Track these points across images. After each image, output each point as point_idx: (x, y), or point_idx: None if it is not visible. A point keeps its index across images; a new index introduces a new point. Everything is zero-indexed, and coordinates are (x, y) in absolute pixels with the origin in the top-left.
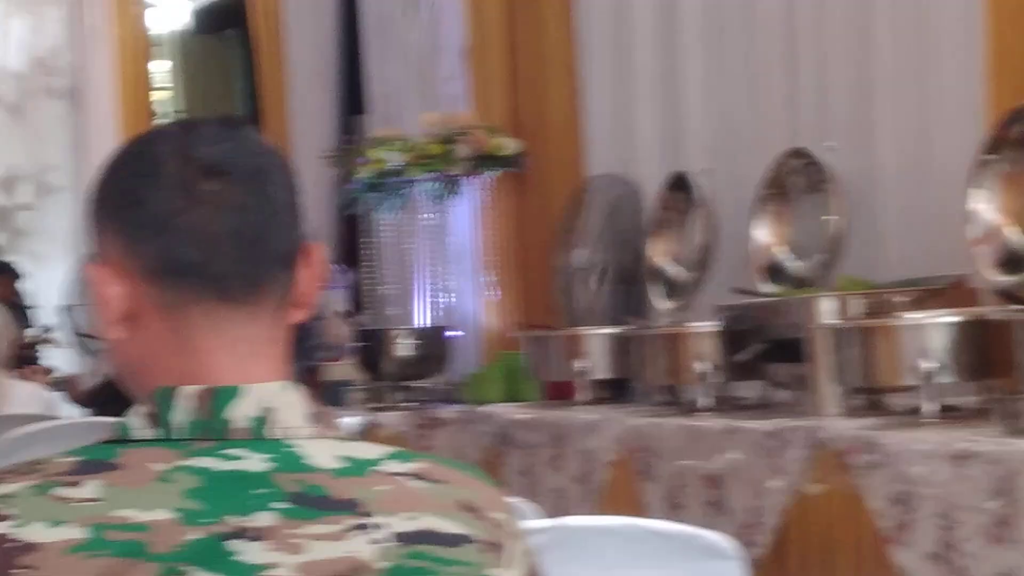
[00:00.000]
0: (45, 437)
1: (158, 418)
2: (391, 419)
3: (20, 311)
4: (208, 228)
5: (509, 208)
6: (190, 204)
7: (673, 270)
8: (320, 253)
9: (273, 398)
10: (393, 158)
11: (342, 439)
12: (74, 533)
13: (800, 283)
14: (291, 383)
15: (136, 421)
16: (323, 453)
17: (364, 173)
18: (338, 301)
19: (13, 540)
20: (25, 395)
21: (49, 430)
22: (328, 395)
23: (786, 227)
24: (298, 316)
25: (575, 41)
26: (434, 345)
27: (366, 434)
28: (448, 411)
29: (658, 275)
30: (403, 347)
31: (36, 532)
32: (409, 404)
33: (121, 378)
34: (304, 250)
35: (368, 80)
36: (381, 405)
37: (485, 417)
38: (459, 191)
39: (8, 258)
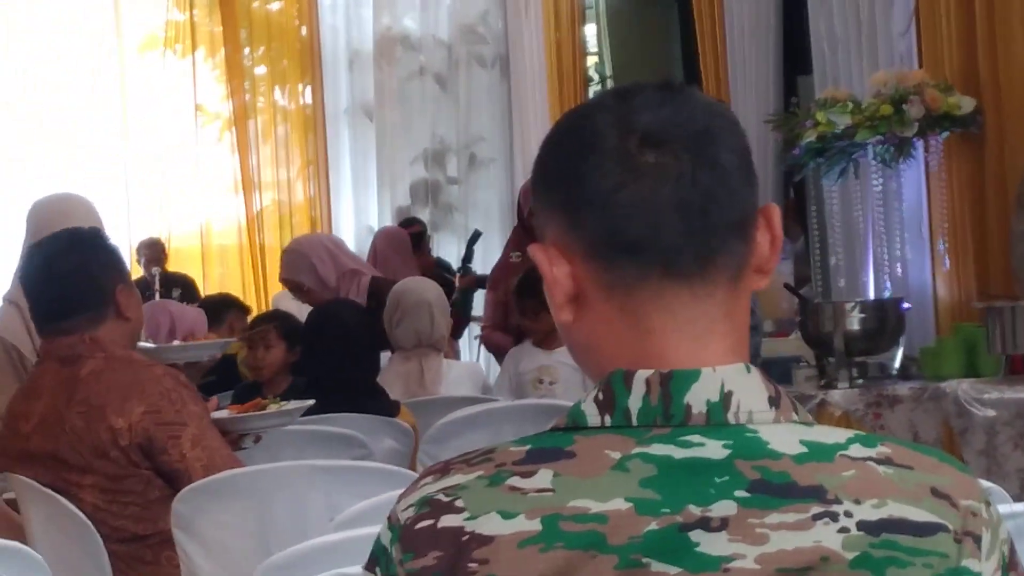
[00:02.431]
0: (481, 421)
1: (612, 403)
2: (840, 397)
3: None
4: (652, 201)
5: (964, 171)
6: (631, 177)
7: None
8: (778, 214)
9: (732, 381)
10: (840, 120)
11: (804, 423)
12: (527, 525)
13: None
14: (750, 364)
15: (588, 407)
16: (785, 438)
17: (809, 137)
18: (783, 273)
19: (468, 532)
20: (463, 375)
21: (485, 414)
22: (774, 372)
23: None
24: (761, 283)
25: None
26: (886, 318)
27: (815, 413)
28: (902, 387)
29: None
30: (853, 320)
31: (490, 524)
32: (859, 381)
33: (575, 359)
34: (761, 212)
35: (811, 38)
36: (829, 382)
37: (942, 394)
38: (910, 154)
39: (437, 233)
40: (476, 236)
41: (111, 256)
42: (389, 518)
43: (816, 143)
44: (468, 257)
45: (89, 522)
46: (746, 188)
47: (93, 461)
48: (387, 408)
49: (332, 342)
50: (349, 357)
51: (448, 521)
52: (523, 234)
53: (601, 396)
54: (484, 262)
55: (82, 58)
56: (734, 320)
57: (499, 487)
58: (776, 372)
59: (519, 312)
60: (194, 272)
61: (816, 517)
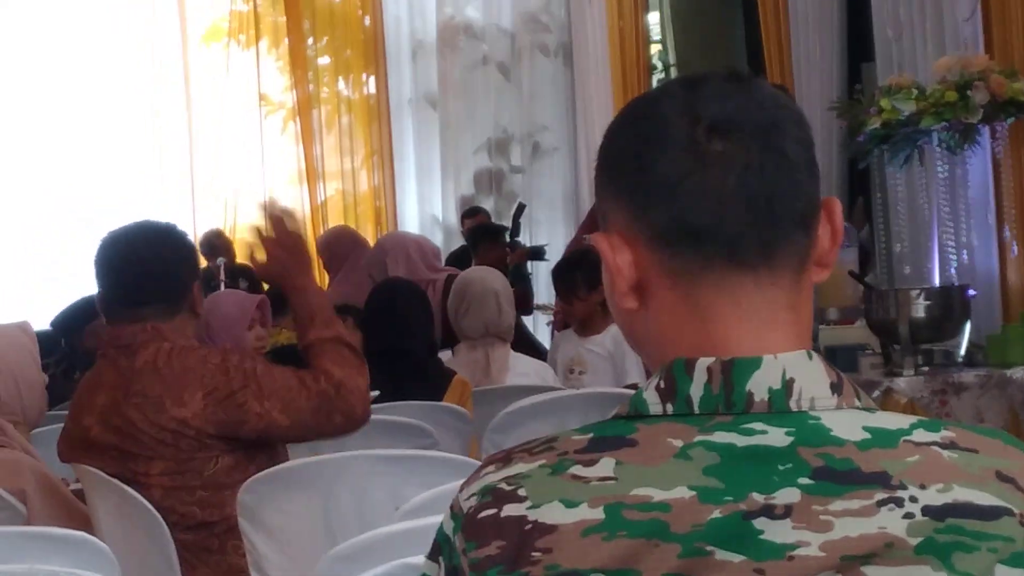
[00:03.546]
0: (545, 410)
1: (674, 391)
2: (906, 384)
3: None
4: (718, 190)
5: None
6: (698, 166)
7: None
8: (839, 208)
9: (793, 368)
10: (905, 107)
11: (866, 409)
12: (590, 514)
13: None
14: (812, 352)
15: (650, 395)
16: (848, 425)
17: (873, 124)
18: (848, 260)
19: (531, 522)
20: (530, 371)
21: (549, 403)
22: (839, 359)
23: None
24: (821, 276)
25: None
26: (952, 305)
27: (880, 400)
28: (968, 375)
29: None
30: (918, 308)
31: (553, 513)
32: (925, 368)
33: (634, 349)
34: (823, 206)
35: (875, 25)
36: (894, 370)
37: (1008, 381)
38: (976, 140)
39: (501, 222)
40: (521, 209)
41: (191, 251)
42: (452, 507)
43: (880, 130)
44: (515, 231)
45: (156, 512)
46: (810, 181)
47: (158, 448)
48: (434, 390)
49: (378, 322)
50: (395, 337)
51: (511, 510)
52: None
53: (662, 384)
54: (549, 250)
55: (146, 49)
56: (798, 311)
57: (561, 476)
58: (841, 360)
59: (556, 296)
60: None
61: (880, 503)
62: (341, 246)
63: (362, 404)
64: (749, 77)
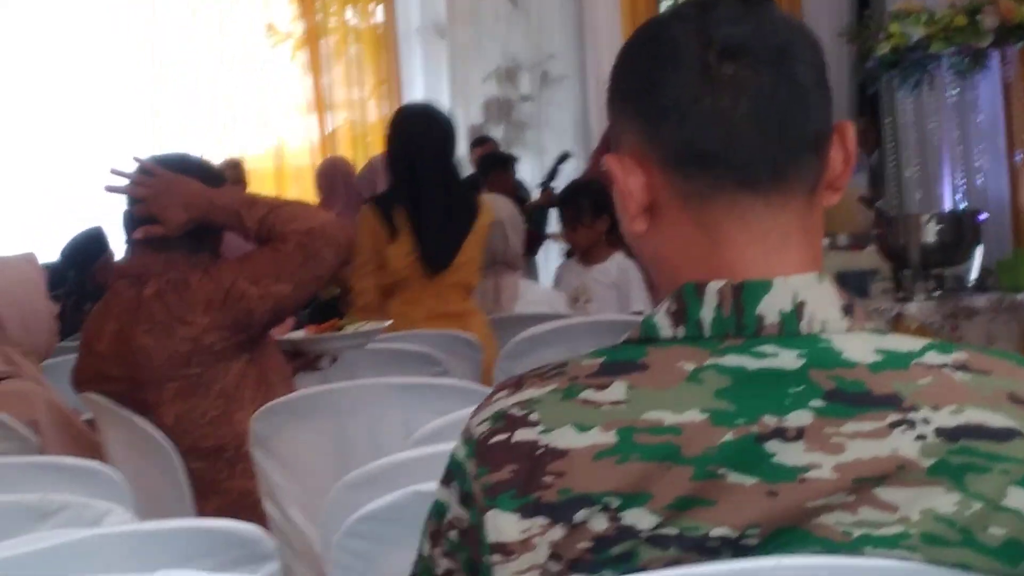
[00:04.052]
0: (557, 337)
1: (684, 315)
2: (917, 309)
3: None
4: (729, 113)
5: None
6: (709, 89)
7: None
8: (852, 131)
9: (804, 291)
10: (914, 32)
11: (877, 332)
12: (602, 438)
13: None
14: (823, 275)
15: (661, 319)
16: (859, 347)
17: (883, 50)
18: (859, 186)
19: (543, 446)
20: (541, 299)
21: (560, 330)
22: (850, 285)
23: None
24: (832, 200)
25: None
26: (963, 230)
27: (891, 325)
28: (979, 299)
29: None
30: (929, 233)
31: (565, 437)
32: (936, 293)
33: (646, 271)
34: (836, 129)
35: None
36: (906, 295)
37: (1019, 305)
38: (985, 65)
39: (510, 151)
40: (564, 157)
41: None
42: (464, 433)
43: (890, 55)
44: (552, 175)
45: (167, 442)
46: (822, 104)
47: (171, 371)
48: (463, 204)
49: (398, 134)
50: (414, 146)
51: (523, 435)
52: None
53: (673, 307)
54: (558, 179)
55: None
56: (808, 234)
57: (573, 400)
58: (852, 285)
59: (560, 222)
60: (268, 193)
61: (893, 425)
62: (335, 177)
63: (339, 229)
64: (761, 1)
